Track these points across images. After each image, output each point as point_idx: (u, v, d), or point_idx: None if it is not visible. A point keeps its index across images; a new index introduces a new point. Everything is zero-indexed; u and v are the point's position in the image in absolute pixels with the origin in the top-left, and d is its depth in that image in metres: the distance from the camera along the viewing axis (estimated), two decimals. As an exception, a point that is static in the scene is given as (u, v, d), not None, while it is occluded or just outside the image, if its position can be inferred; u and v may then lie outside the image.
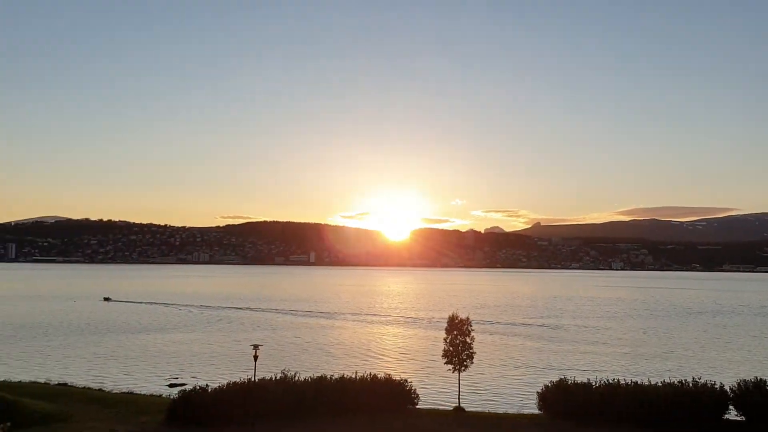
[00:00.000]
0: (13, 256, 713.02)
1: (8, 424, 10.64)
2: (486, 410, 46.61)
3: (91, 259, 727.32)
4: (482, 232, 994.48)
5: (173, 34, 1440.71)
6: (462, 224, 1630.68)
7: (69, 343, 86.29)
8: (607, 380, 43.57)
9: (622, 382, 43.33)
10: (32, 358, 74.17)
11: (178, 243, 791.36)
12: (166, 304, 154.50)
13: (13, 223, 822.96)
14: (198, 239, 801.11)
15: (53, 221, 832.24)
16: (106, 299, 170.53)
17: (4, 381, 44.10)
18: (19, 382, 45.86)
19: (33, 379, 50.62)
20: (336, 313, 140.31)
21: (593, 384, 42.97)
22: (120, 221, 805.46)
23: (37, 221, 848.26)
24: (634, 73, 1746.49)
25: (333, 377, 43.95)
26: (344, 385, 42.84)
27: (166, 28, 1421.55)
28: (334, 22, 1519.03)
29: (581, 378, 45.48)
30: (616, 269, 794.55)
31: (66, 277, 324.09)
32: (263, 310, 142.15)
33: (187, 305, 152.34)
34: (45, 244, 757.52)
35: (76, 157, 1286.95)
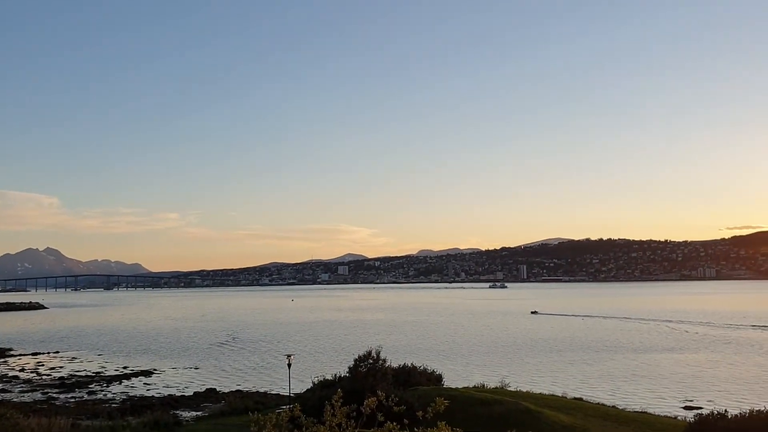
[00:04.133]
0: (524, 276, 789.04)
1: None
2: None
3: (594, 277, 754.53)
4: None
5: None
6: None
7: (573, 359, 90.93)
8: None
9: None
10: (548, 371, 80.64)
11: (679, 258, 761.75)
12: (643, 320, 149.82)
13: (522, 247, 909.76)
14: (702, 254, 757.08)
15: (557, 243, 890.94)
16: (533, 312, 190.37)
17: (527, 392, 49.07)
18: (540, 393, 50.32)
19: (550, 392, 54.95)
20: None
21: None
22: (620, 239, 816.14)
23: (542, 243, 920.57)
24: None
25: None
26: None
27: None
28: None
29: None
30: None
31: (572, 296, 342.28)
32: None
33: (686, 322, 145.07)
34: (551, 264, 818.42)
35: (568, 182, 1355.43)
